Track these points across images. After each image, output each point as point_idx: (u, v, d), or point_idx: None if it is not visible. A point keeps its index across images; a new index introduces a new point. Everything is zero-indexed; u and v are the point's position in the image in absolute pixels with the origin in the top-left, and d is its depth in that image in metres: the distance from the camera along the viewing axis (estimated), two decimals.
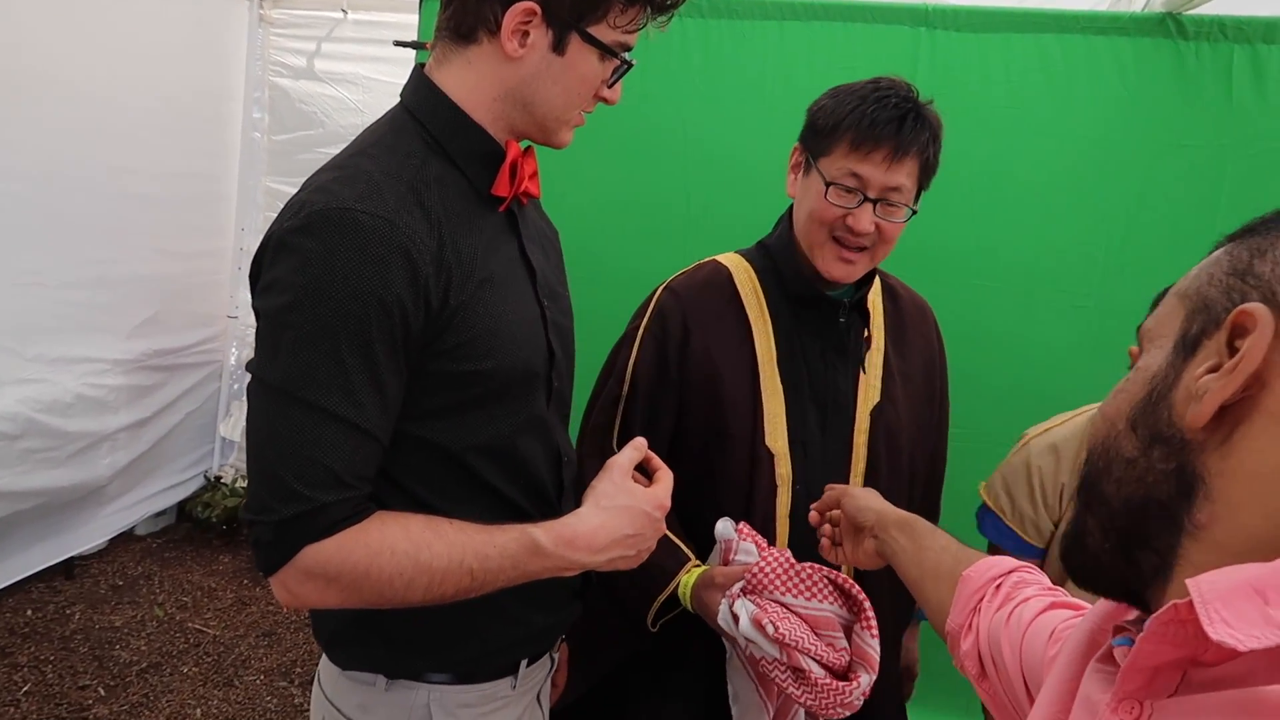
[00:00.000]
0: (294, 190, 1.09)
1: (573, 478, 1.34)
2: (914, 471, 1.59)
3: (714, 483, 1.51)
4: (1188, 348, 0.59)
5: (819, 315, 1.53)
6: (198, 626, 3.46)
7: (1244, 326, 0.54)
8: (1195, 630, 0.49)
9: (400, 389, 1.06)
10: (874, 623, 1.34)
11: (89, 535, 3.73)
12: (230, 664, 3.25)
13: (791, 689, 1.30)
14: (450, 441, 1.13)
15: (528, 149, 1.22)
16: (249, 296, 1.09)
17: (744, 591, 1.35)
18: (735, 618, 1.32)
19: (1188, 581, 0.50)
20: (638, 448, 1.19)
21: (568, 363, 1.32)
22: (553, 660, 1.39)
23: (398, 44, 2.93)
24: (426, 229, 1.04)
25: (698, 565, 1.47)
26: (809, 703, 1.30)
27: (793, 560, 1.38)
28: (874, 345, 1.58)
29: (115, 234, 3.54)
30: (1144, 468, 0.58)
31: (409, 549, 1.03)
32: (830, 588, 1.36)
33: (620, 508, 1.12)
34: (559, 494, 1.29)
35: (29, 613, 3.40)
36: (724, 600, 1.35)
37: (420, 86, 1.15)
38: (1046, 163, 2.54)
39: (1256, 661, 0.49)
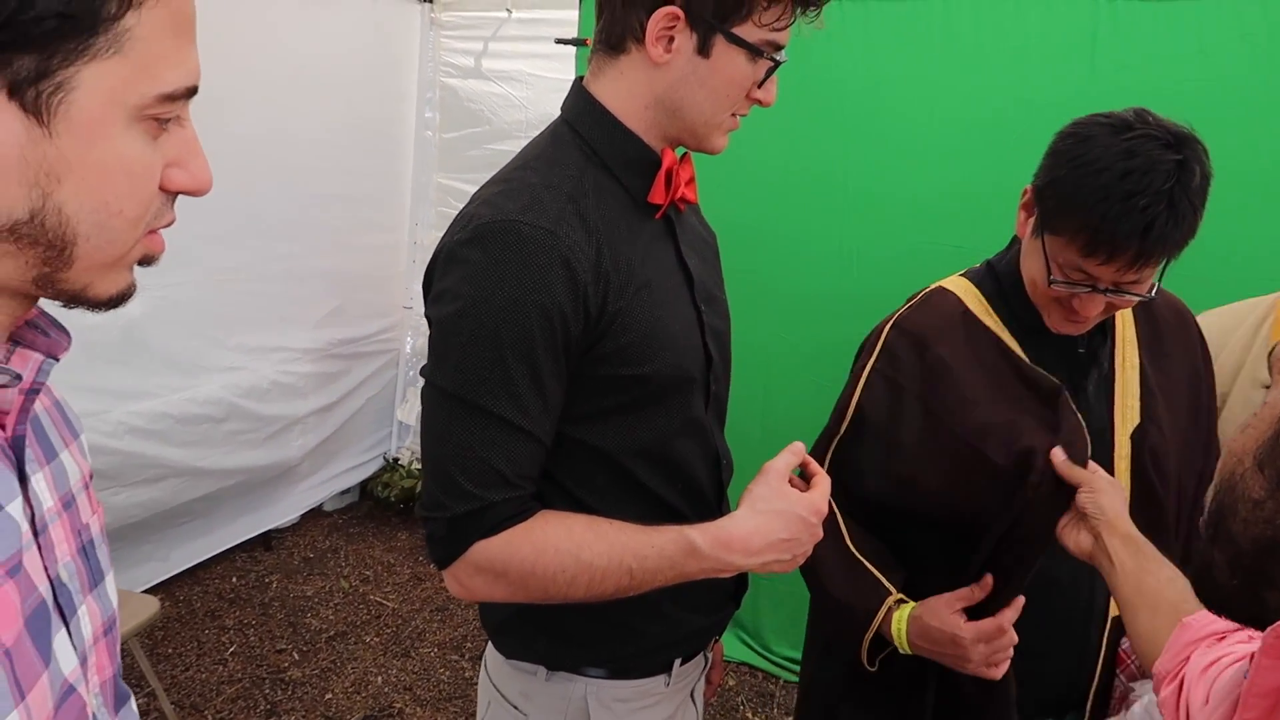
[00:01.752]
0: (463, 185, 1.17)
1: (729, 480, 1.35)
2: (1182, 492, 1.44)
3: (944, 515, 1.40)
4: None
5: (1056, 340, 1.40)
6: (379, 599, 3.70)
7: None
8: None
9: (562, 393, 1.11)
10: None
11: (284, 510, 4.07)
12: (407, 636, 3.46)
13: None
14: (609, 444, 1.17)
15: (684, 155, 1.23)
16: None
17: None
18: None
19: None
20: (795, 452, 1.19)
21: (724, 366, 1.33)
22: (706, 659, 1.42)
23: (559, 41, 3.00)
24: (585, 238, 1.08)
25: (904, 601, 1.38)
26: None
27: None
28: (1128, 362, 1.43)
29: (303, 231, 3.81)
30: (1272, 510, 0.58)
31: (571, 548, 1.07)
32: None
33: (776, 511, 1.13)
34: (718, 497, 1.31)
35: (234, 580, 3.73)
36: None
37: (579, 99, 1.19)
38: (1253, 145, 2.28)
39: None
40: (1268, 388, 1.67)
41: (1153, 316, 1.47)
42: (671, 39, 1.09)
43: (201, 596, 3.58)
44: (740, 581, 1.38)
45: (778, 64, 1.14)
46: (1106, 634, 1.40)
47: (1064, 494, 1.28)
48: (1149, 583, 1.11)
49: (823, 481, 1.19)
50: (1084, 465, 1.30)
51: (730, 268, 1.45)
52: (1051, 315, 1.36)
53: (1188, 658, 0.94)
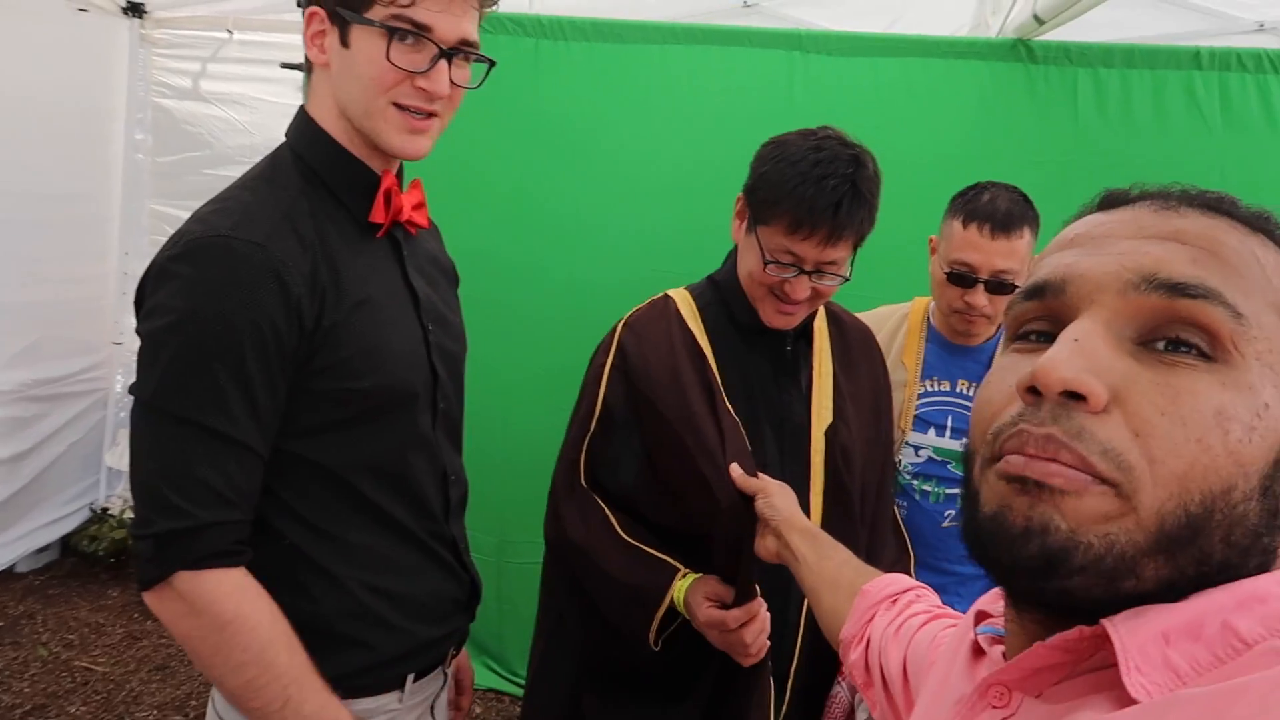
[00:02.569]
0: (181, 212, 1.16)
1: (459, 496, 1.38)
2: (866, 484, 1.64)
3: (687, 507, 1.52)
4: None
5: (768, 343, 1.57)
6: (85, 664, 3.34)
7: None
8: (1091, 648, 0.51)
9: (276, 405, 1.11)
10: None
11: None
12: (121, 701, 3.14)
13: None
14: (332, 459, 1.17)
15: (414, 181, 1.28)
16: (134, 322, 1.13)
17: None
18: None
19: (1108, 626, 0.50)
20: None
21: (454, 385, 1.36)
22: (445, 675, 1.41)
23: (285, 66, 2.92)
24: (300, 252, 1.10)
25: (687, 574, 1.49)
26: None
27: None
28: (823, 370, 1.62)
29: None
30: (1266, 544, 0.51)
31: (263, 638, 1.07)
32: None
33: None
34: (446, 512, 1.34)
35: None
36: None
37: (299, 122, 1.22)
38: (914, 179, 2.68)
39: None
40: (905, 386, 1.95)
41: (844, 333, 1.68)
42: (325, 37, 1.14)
43: None
44: (473, 591, 1.41)
45: (444, 53, 1.13)
46: (802, 626, 1.57)
47: (749, 503, 1.42)
48: (828, 567, 1.21)
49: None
50: (744, 456, 1.46)
51: (471, 294, 1.50)
52: (766, 308, 1.52)
53: (871, 618, 1.06)
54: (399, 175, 1.27)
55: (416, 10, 1.10)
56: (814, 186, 1.39)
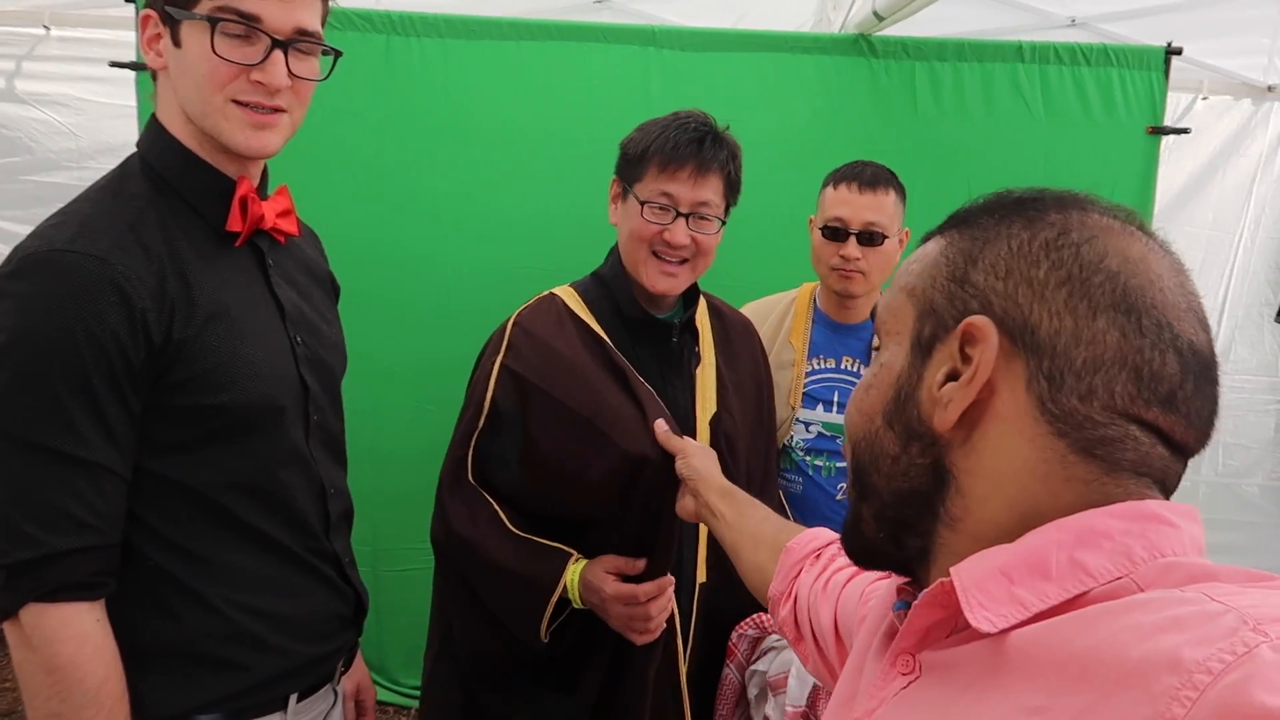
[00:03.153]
0: (2, 223, 1.10)
1: (340, 510, 1.35)
2: (750, 472, 1.71)
3: (590, 496, 1.55)
4: (923, 350, 0.64)
5: (653, 336, 1.63)
6: None
7: (972, 336, 0.60)
8: (956, 600, 0.57)
9: (129, 424, 1.06)
10: None
11: None
12: None
13: None
14: (199, 479, 1.13)
15: (280, 187, 1.24)
16: None
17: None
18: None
19: (951, 570, 0.58)
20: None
21: (329, 397, 1.33)
22: (336, 693, 1.38)
23: (114, 65, 2.74)
24: (145, 265, 1.06)
25: (579, 559, 1.53)
26: None
27: None
28: (706, 360, 1.68)
29: None
30: (906, 463, 0.64)
31: (87, 696, 1.04)
32: None
33: None
34: (325, 527, 1.30)
35: None
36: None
37: (149, 129, 1.17)
38: (766, 168, 2.77)
39: None
40: (794, 365, 2.04)
41: (725, 325, 1.76)
42: (160, 40, 1.11)
43: None
44: (359, 607, 1.38)
45: (275, 42, 1.09)
46: (696, 598, 1.61)
47: (671, 468, 1.47)
48: (748, 524, 1.24)
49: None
50: (666, 419, 1.52)
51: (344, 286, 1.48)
52: (650, 271, 1.58)
53: (797, 574, 1.08)
54: (263, 182, 1.23)
55: (242, 0, 1.06)
56: (676, 130, 1.55)
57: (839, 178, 2.03)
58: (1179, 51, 2.77)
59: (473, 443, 1.59)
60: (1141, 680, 0.46)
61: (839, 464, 2.03)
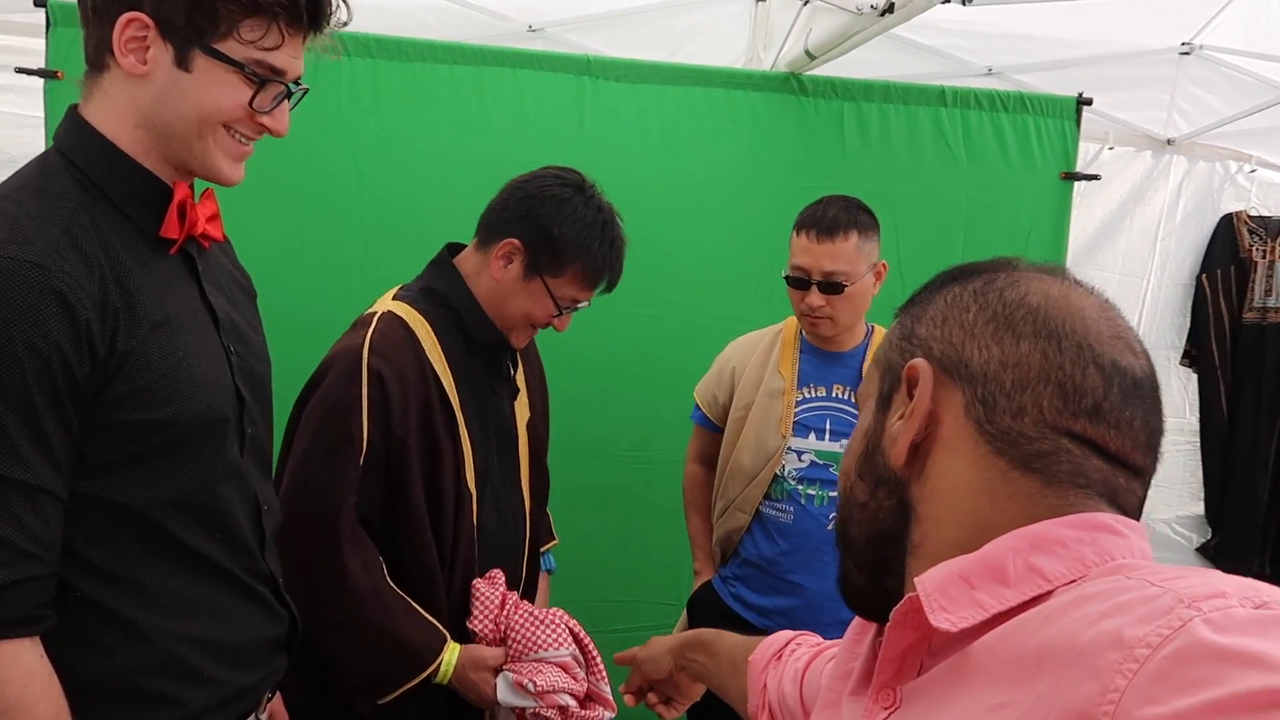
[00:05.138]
0: None
1: (274, 528, 1.30)
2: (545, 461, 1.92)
3: (433, 534, 1.62)
4: (884, 403, 0.71)
5: (486, 356, 1.71)
6: None
7: (915, 379, 0.67)
8: (924, 617, 0.59)
9: (70, 443, 1.00)
10: (602, 669, 1.63)
11: None
12: None
13: None
14: (134, 499, 1.06)
15: (206, 191, 1.18)
16: None
17: (509, 661, 1.61)
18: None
19: (915, 580, 0.62)
20: None
21: (261, 408, 1.28)
22: None
23: (21, 71, 2.62)
24: (85, 272, 0.99)
25: (453, 644, 1.60)
26: None
27: (534, 613, 1.62)
28: (520, 375, 1.84)
29: None
30: (875, 508, 0.70)
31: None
32: (567, 631, 1.63)
33: None
34: (260, 544, 1.25)
35: None
36: (499, 680, 1.60)
37: (72, 126, 1.09)
38: (698, 200, 2.82)
39: (969, 631, 0.59)
40: (783, 394, 2.06)
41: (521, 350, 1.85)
42: (147, 48, 1.04)
43: None
44: (292, 629, 1.32)
45: (288, 92, 1.13)
46: None
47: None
48: (722, 661, 1.26)
49: None
50: (504, 448, 1.73)
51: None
52: (520, 336, 1.74)
53: (764, 684, 1.10)
54: (190, 187, 1.18)
55: (277, 55, 1.09)
56: (607, 247, 1.66)
57: (801, 223, 2.03)
58: (1089, 102, 2.90)
59: (355, 483, 1.55)
60: (1088, 659, 0.50)
61: (832, 493, 2.03)
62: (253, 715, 1.27)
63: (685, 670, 1.37)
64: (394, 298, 1.69)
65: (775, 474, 2.07)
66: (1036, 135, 2.90)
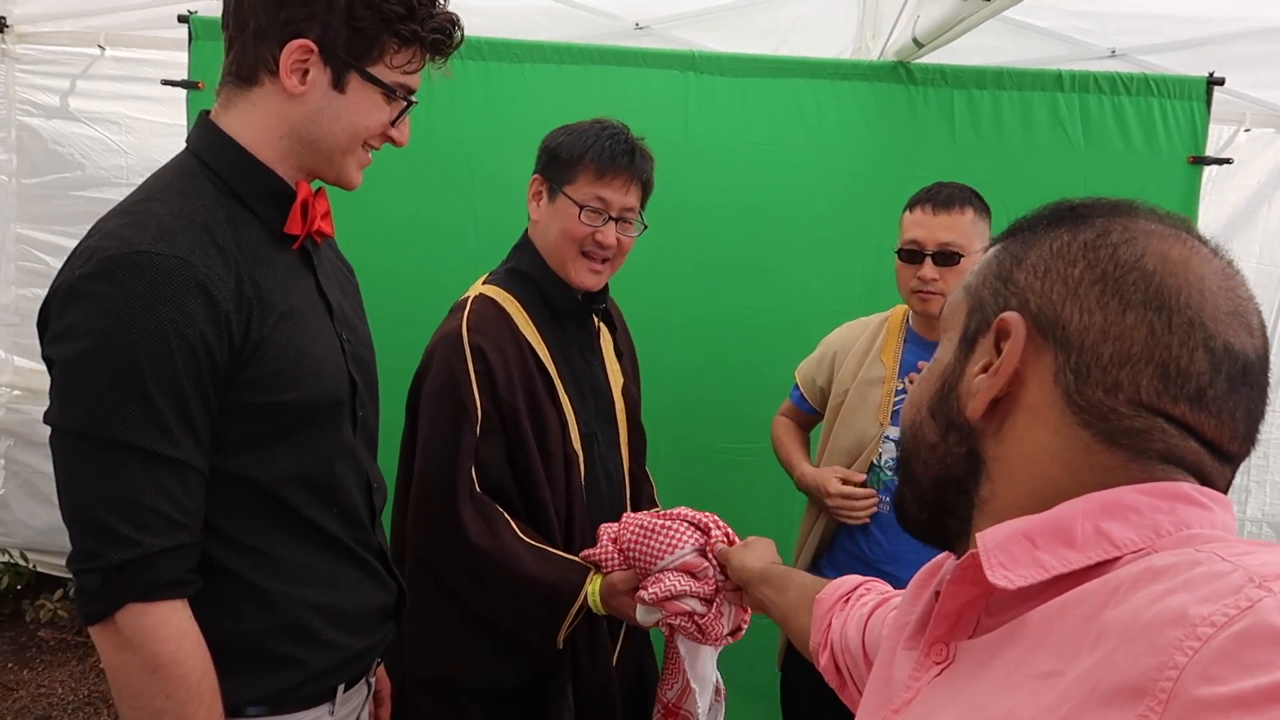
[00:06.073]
0: (51, 237, 1.12)
1: (381, 504, 1.39)
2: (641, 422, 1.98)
3: (544, 495, 1.69)
4: (968, 344, 0.67)
5: (578, 324, 1.77)
6: None
7: (1005, 331, 0.63)
8: (983, 573, 0.58)
9: (211, 423, 1.09)
10: (729, 533, 1.58)
11: None
12: None
13: (693, 631, 1.55)
14: (261, 474, 1.16)
15: (319, 190, 1.27)
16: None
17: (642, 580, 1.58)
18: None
19: (977, 535, 0.61)
20: None
21: (369, 393, 1.37)
22: (369, 685, 1.41)
23: (166, 83, 2.82)
24: (223, 266, 1.08)
25: (596, 574, 1.66)
26: (711, 632, 1.55)
27: (643, 523, 1.59)
28: (607, 341, 1.89)
29: None
30: (944, 451, 0.67)
31: (191, 689, 1.06)
32: (683, 525, 1.57)
33: None
34: (371, 519, 1.34)
35: None
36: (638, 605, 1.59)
37: (206, 132, 1.19)
38: (805, 193, 2.80)
39: (1029, 595, 0.58)
40: (884, 382, 2.06)
41: (610, 317, 1.93)
42: (306, 71, 1.13)
43: None
44: (400, 599, 1.40)
45: (411, 105, 1.22)
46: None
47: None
48: (789, 598, 1.28)
49: None
50: (602, 412, 1.78)
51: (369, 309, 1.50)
52: (579, 268, 1.72)
53: (829, 624, 1.11)
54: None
55: (414, 78, 1.22)
56: (609, 141, 1.68)
57: (915, 201, 2.04)
58: (1221, 82, 2.75)
59: (475, 452, 1.63)
60: (1148, 635, 0.48)
61: None
62: (363, 679, 1.36)
63: (752, 599, 1.43)
64: (484, 283, 1.78)
65: (872, 462, 2.06)
66: (1162, 118, 2.77)
